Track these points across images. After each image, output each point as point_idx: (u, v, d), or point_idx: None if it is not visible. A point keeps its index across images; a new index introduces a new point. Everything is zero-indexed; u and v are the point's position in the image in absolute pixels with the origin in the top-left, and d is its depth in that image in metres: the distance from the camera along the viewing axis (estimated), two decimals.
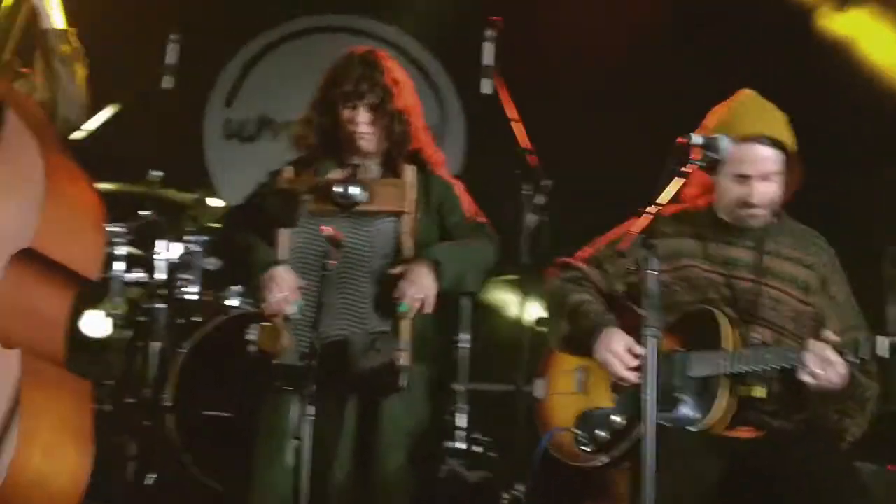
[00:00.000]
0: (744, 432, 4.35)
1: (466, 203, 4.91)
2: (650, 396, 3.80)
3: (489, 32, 5.08)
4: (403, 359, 4.57)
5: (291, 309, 4.49)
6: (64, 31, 4.33)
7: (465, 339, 5.94)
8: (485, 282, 4.96)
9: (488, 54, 5.17)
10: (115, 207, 6.32)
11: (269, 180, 4.87)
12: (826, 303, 4.49)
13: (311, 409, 4.28)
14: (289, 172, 4.81)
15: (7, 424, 3.79)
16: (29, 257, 3.94)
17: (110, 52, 7.23)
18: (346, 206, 4.67)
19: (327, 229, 4.46)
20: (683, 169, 4.02)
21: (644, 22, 7.40)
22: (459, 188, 4.94)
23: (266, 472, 4.56)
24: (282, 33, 8.41)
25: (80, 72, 4.35)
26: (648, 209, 3.94)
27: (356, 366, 4.59)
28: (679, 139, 4.06)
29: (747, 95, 4.56)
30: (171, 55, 5.95)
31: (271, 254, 4.65)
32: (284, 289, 4.54)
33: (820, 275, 4.52)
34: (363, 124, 4.75)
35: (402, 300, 4.56)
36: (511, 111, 5.22)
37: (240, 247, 4.76)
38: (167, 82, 5.96)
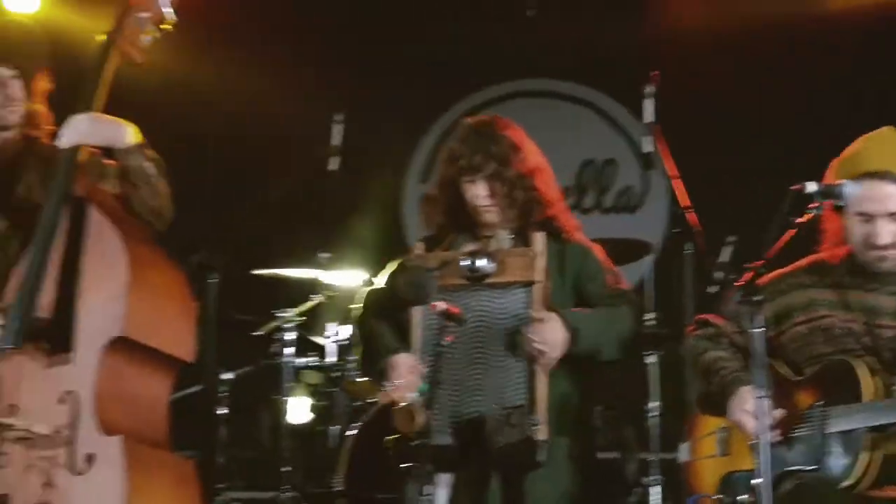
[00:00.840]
0: (891, 492, 4.04)
1: (608, 269, 4.75)
2: (763, 463, 3.60)
3: (649, 89, 4.95)
4: (541, 433, 4.43)
5: (413, 394, 4.43)
6: (134, 147, 4.34)
7: (654, 407, 5.75)
8: (625, 349, 4.76)
9: (648, 111, 5.05)
10: (287, 293, 6.47)
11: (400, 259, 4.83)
12: None
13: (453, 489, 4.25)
14: (419, 249, 4.76)
15: None
16: (122, 345, 4.08)
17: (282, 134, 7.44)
18: (475, 278, 4.59)
19: (440, 304, 4.38)
20: (799, 220, 3.83)
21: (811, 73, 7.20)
22: (599, 253, 4.78)
23: None
24: (472, 103, 8.39)
25: (162, 181, 4.38)
26: (754, 263, 3.74)
27: (493, 442, 4.47)
28: (793, 187, 3.86)
29: (882, 132, 4.31)
30: (336, 136, 6.03)
31: (393, 339, 4.61)
32: (404, 374, 4.48)
33: None
34: (482, 197, 4.66)
35: (526, 343, 4.46)
36: (671, 168, 5.08)
37: (368, 334, 4.75)
38: (333, 163, 6.05)
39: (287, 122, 7.48)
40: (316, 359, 6.16)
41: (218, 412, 6.51)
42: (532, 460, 4.43)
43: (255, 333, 6.42)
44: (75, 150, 4.28)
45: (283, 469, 6.12)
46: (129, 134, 4.32)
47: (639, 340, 4.95)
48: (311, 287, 6.23)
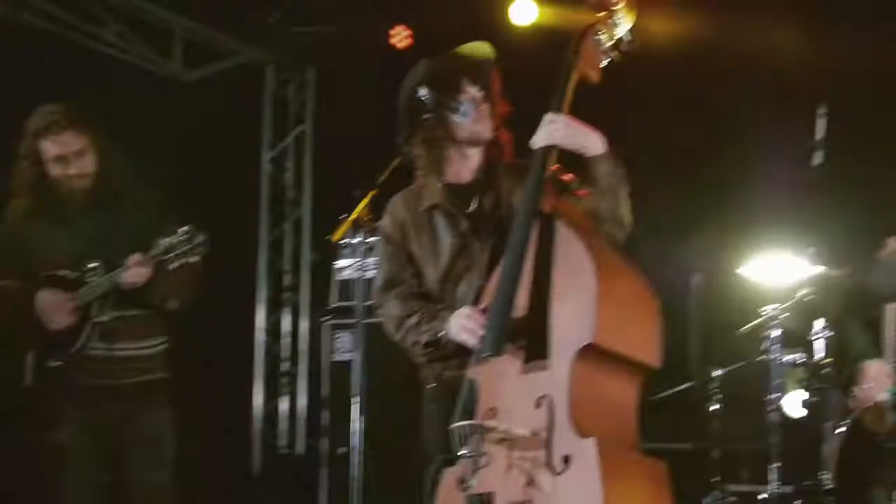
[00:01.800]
0: None
1: None
2: None
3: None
4: None
5: (882, 396, 4.35)
6: (603, 156, 4.50)
7: None
8: None
9: None
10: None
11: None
12: None
13: None
14: (893, 243, 4.67)
15: None
16: (592, 352, 4.24)
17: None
18: None
19: None
20: None
21: None
22: None
23: None
24: None
25: (624, 189, 4.53)
26: None
27: None
28: None
29: None
30: (820, 129, 5.98)
31: (864, 341, 4.53)
32: (874, 377, 4.41)
33: None
34: None
35: None
36: None
37: (840, 334, 4.68)
38: (818, 157, 5.99)
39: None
40: (803, 355, 6.12)
41: (710, 408, 6.59)
42: None
43: (740, 330, 6.47)
44: (548, 151, 4.47)
45: (774, 464, 6.12)
46: (601, 142, 4.49)
47: None
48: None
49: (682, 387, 6.60)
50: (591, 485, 4.07)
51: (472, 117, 4.65)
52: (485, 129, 4.69)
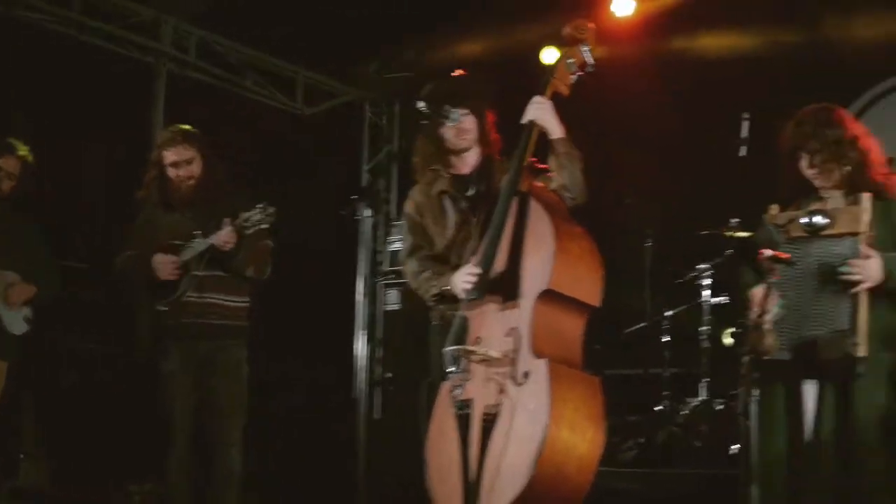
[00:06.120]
0: None
1: None
2: None
3: None
4: (860, 350, 4.19)
5: (770, 315, 4.31)
6: (563, 139, 4.52)
7: None
8: None
9: None
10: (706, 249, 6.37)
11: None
12: None
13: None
14: (775, 209, 4.58)
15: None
16: (549, 295, 4.28)
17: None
18: (813, 231, 4.39)
19: (766, 252, 4.22)
20: None
21: None
22: None
23: (762, 443, 4.34)
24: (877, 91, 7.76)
25: (579, 164, 4.52)
26: None
27: (824, 358, 4.27)
28: None
29: None
30: (745, 129, 5.97)
31: (752, 277, 4.48)
32: (754, 304, 4.35)
33: None
34: (807, 169, 4.46)
35: (847, 267, 4.23)
36: None
37: (741, 275, 4.62)
38: (742, 151, 5.95)
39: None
40: (728, 298, 6.07)
41: (662, 339, 6.56)
42: (852, 373, 4.19)
43: (679, 280, 6.42)
44: (533, 124, 4.46)
45: (703, 380, 6.08)
46: (561, 128, 4.50)
47: None
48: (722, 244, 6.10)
49: (641, 325, 6.56)
50: (542, 390, 4.12)
51: (453, 132, 4.66)
52: (462, 141, 4.69)
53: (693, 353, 6.36)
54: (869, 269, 4.23)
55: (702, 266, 6.21)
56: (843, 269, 4.23)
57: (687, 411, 6.19)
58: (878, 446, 4.20)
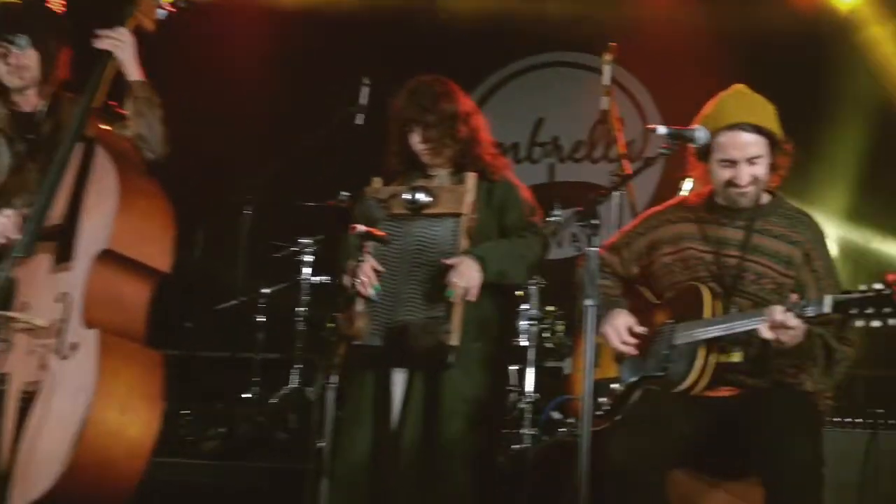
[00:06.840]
0: (723, 392, 3.53)
1: (526, 204, 4.18)
2: (589, 361, 3.07)
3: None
4: (452, 339, 3.92)
5: (370, 291, 3.95)
6: (143, 82, 4.00)
7: None
8: (532, 274, 4.19)
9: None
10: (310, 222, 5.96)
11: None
12: (808, 275, 3.59)
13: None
14: (377, 183, 4.23)
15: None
16: (108, 256, 3.82)
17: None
18: (414, 209, 4.09)
19: (360, 227, 3.88)
20: (650, 156, 3.37)
21: None
22: (523, 191, 4.22)
23: (347, 434, 4.05)
24: (502, 76, 7.67)
25: (159, 112, 4.02)
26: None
27: (415, 345, 3.98)
28: (647, 126, 3.33)
29: (736, 89, 3.71)
30: (363, 96, 5.66)
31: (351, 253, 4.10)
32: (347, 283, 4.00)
33: (804, 250, 3.61)
34: (418, 143, 4.14)
35: (450, 288, 3.94)
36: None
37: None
38: (359, 119, 5.58)
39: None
40: (329, 278, 5.70)
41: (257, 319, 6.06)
42: (444, 361, 3.93)
43: (277, 255, 5.95)
44: (108, 59, 3.93)
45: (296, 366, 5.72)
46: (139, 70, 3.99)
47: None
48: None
49: (235, 302, 6.01)
50: (89, 365, 3.68)
51: (6, 69, 4.01)
52: (18, 80, 4.03)
53: (289, 336, 5.88)
54: (469, 278, 3.95)
55: (304, 241, 5.76)
56: (446, 293, 3.94)
57: (276, 400, 5.73)
58: (462, 437, 3.97)
